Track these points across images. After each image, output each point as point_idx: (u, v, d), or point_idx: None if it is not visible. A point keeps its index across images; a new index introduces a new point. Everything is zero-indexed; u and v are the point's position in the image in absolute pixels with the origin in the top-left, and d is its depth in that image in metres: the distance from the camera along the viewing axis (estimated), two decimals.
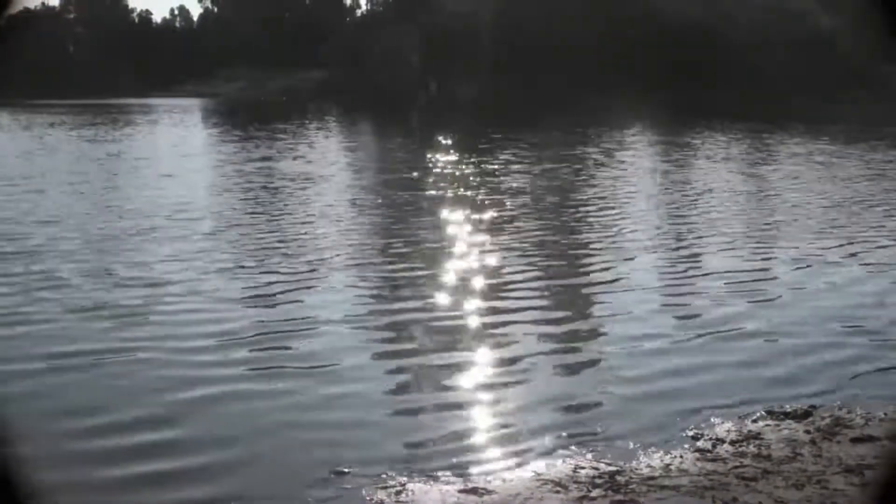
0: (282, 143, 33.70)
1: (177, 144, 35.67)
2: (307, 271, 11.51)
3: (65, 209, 16.91)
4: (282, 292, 10.40)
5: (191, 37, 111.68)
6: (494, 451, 6.34)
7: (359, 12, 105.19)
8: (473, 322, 9.56)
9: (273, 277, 11.12)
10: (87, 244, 13.34)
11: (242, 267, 11.80)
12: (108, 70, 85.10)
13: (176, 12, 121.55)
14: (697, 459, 6.00)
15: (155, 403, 6.85)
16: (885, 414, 6.79)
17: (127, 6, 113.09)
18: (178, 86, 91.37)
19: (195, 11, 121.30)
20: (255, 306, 9.83)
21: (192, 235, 14.03)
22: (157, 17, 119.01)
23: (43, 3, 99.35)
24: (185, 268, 11.58)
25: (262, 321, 9.22)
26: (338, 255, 12.56)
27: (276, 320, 9.32)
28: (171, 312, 9.46)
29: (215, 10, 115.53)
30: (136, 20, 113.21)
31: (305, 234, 14.46)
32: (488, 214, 16.35)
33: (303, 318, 9.47)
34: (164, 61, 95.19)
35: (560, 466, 5.95)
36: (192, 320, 9.11)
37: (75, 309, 9.54)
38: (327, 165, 26.23)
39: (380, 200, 18.20)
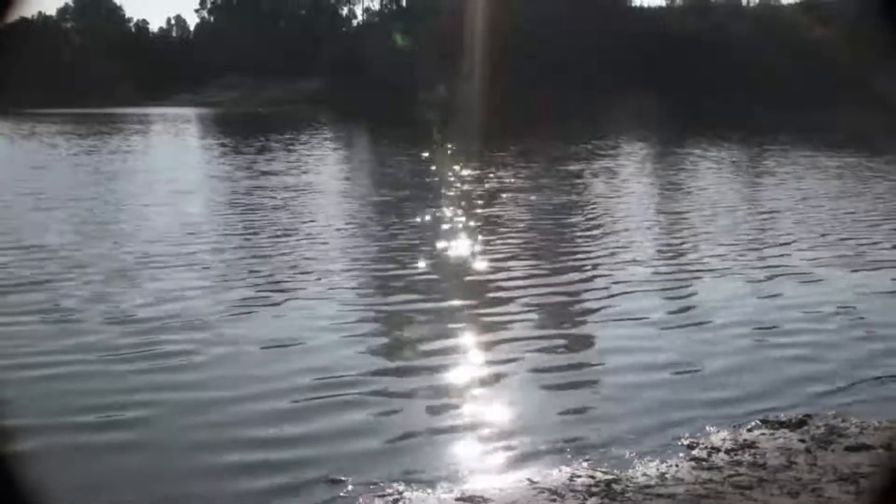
0: (289, 156, 33.04)
1: (183, 156, 35.14)
2: (326, 309, 10.62)
3: (78, 230, 16.09)
4: (306, 337, 9.43)
5: (187, 46, 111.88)
6: (491, 460, 6.36)
7: (354, 22, 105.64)
8: (471, 334, 9.58)
9: (298, 321, 10.11)
10: (105, 274, 12.28)
11: (266, 304, 10.84)
12: (106, 79, 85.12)
13: (172, 22, 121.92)
14: (693, 468, 6.03)
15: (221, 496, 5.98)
16: (880, 423, 6.82)
17: (124, 15, 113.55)
18: (174, 95, 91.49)
19: (192, 21, 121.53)
20: (285, 353, 8.94)
21: (212, 263, 13.14)
22: (154, 27, 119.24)
23: (40, 13, 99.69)
24: (209, 304, 10.67)
25: (292, 365, 8.50)
26: (357, 290, 11.85)
27: (300, 364, 8.56)
28: (206, 365, 8.50)
29: (212, 19, 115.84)
30: (133, 29, 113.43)
31: (326, 261, 13.54)
32: (506, 237, 15.64)
33: (311, 327, 9.33)
34: (161, 70, 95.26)
35: (556, 475, 5.97)
36: (225, 380, 8.07)
37: (109, 359, 8.59)
38: (340, 181, 25.57)
39: (396, 221, 17.40)
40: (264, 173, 26.49)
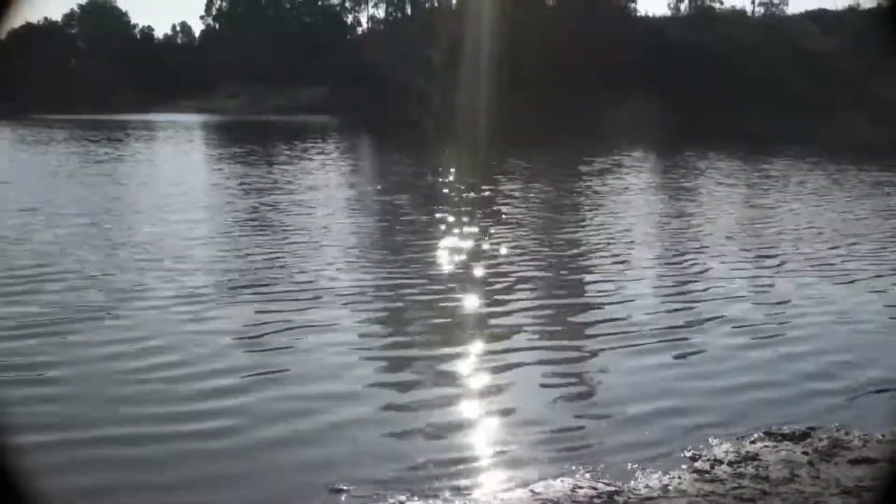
0: (303, 167, 32.15)
1: (197, 168, 34.16)
2: (341, 329, 10.02)
3: (110, 255, 14.36)
4: (320, 357, 8.93)
5: (192, 53, 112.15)
6: (493, 471, 6.34)
7: (360, 30, 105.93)
8: (472, 345, 9.55)
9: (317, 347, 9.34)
10: (126, 318, 10.38)
11: (285, 344, 9.51)
12: (110, 85, 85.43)
13: (178, 28, 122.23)
14: (696, 480, 6.01)
15: None
16: (883, 436, 6.80)
17: (129, 21, 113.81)
18: (179, 101, 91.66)
19: (197, 28, 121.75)
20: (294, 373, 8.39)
21: (236, 298, 11.51)
22: (160, 33, 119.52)
23: (45, 18, 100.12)
24: (232, 349, 9.31)
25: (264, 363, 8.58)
26: (368, 308, 11.11)
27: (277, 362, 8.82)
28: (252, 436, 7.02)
29: (217, 26, 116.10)
30: (139, 35, 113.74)
31: (351, 282, 12.58)
32: (522, 264, 14.30)
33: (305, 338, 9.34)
34: (166, 77, 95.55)
35: (558, 486, 5.95)
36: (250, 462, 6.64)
37: (150, 424, 7.20)
38: (370, 196, 24.04)
39: (411, 236, 16.60)
40: (310, 188, 25.23)
